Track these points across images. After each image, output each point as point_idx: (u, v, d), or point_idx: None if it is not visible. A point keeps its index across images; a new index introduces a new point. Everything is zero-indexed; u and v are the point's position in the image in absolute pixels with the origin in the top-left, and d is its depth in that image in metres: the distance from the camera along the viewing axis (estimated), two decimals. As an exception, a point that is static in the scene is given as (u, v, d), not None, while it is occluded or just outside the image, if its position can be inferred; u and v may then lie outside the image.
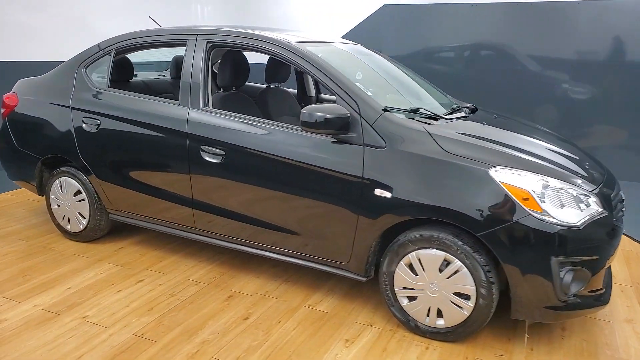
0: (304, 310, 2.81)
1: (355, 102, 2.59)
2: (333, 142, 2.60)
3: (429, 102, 3.28)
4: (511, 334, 2.61)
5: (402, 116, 2.63)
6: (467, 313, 2.43)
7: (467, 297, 2.42)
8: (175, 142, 3.03)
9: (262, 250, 2.99)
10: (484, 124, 2.88)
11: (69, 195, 3.62)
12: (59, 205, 3.70)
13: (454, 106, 3.18)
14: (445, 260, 2.43)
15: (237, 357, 2.37)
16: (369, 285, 3.04)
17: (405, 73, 3.57)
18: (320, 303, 2.89)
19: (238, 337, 2.53)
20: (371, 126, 2.53)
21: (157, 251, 3.57)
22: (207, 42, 3.06)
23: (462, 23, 6.38)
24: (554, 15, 5.85)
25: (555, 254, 2.22)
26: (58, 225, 3.77)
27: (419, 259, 2.48)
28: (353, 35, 6.78)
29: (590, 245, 2.29)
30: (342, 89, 2.63)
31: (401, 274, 2.55)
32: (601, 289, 2.45)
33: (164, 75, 4.54)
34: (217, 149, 2.89)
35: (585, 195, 2.35)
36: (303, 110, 2.53)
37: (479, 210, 2.29)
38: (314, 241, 2.77)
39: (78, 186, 3.56)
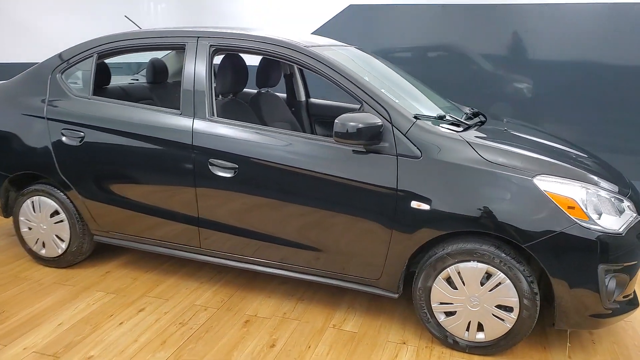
0: (331, 332, 2.65)
1: (386, 110, 2.45)
2: (362, 152, 2.45)
3: (431, 106, 3.20)
4: (545, 342, 2.59)
5: (430, 123, 2.53)
6: (509, 325, 2.38)
7: (509, 310, 2.36)
8: (178, 156, 2.76)
9: (279, 269, 2.79)
10: (505, 130, 2.85)
11: (44, 217, 3.22)
12: (30, 228, 3.29)
13: (467, 111, 3.13)
14: (486, 272, 2.36)
15: (277, 392, 2.18)
16: (387, 298, 2.92)
17: (403, 76, 3.48)
18: (345, 322, 2.74)
19: (272, 368, 2.34)
20: (404, 135, 2.41)
21: (149, 274, 3.26)
22: (210, 45, 2.81)
23: (430, 24, 6.41)
24: (517, 16, 6.00)
25: (601, 262, 2.21)
26: (29, 251, 3.35)
27: (459, 273, 2.40)
28: (319, 35, 6.64)
29: (630, 250, 2.29)
30: (370, 96, 2.48)
31: (439, 289, 2.45)
32: (630, 294, 2.48)
33: (137, 80, 4.18)
34: (229, 162, 2.66)
35: (620, 200, 2.35)
36: (336, 121, 2.36)
37: (524, 220, 2.23)
38: (341, 258, 2.61)
39: (55, 206, 3.17)
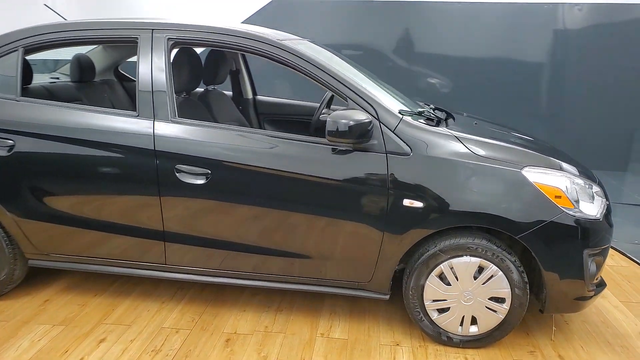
0: (321, 341, 2.51)
1: (372, 107, 2.36)
2: (349, 151, 2.33)
3: (395, 101, 3.18)
4: (526, 328, 2.67)
5: (411, 119, 2.48)
6: (502, 316, 2.41)
7: (502, 301, 2.39)
8: (137, 163, 2.45)
9: (257, 280, 2.59)
10: (475, 124, 2.89)
11: (-38, 242, 2.70)
12: (-58, 257, 2.74)
13: (431, 106, 3.13)
14: (479, 266, 2.36)
15: (286, 416, 2.00)
16: (367, 300, 2.85)
17: (360, 71, 3.40)
18: (332, 330, 2.62)
19: (272, 390, 2.15)
20: (393, 132, 2.34)
21: (99, 298, 2.87)
22: (169, 38, 2.51)
23: (354, 20, 6.44)
24: (435, 14, 6.23)
25: (586, 247, 2.31)
26: (-59, 284, 2.80)
27: (452, 268, 2.38)
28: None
29: (605, 234, 2.42)
30: (355, 93, 2.37)
31: (432, 286, 2.42)
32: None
33: (58, 78, 3.67)
34: (200, 167, 2.40)
35: (590, 186, 2.48)
36: (329, 119, 2.22)
37: (517, 212, 2.27)
38: (329, 263, 2.48)
39: (-24, 229, 2.68)
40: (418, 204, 2.30)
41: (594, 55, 5.92)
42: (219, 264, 2.57)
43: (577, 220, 2.27)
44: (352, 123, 2.22)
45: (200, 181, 2.42)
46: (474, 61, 6.17)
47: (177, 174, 2.42)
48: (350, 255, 2.44)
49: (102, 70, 3.78)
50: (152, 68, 2.49)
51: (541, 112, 6.28)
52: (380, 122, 2.34)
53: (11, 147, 2.52)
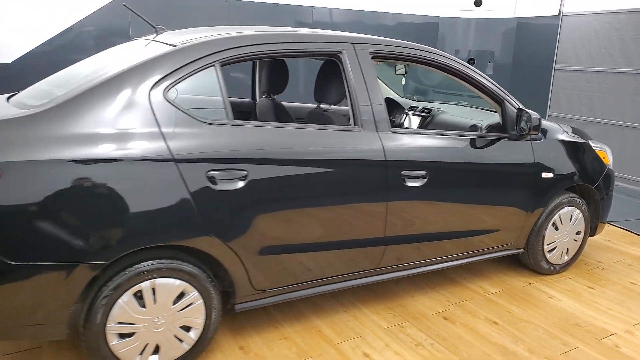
0: (494, 297, 3.13)
1: (518, 105, 3.07)
2: (512, 139, 3.02)
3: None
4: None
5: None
6: (579, 243, 3.54)
7: (580, 233, 3.51)
8: (370, 176, 2.53)
9: (461, 259, 3.07)
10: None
11: (163, 306, 2.17)
12: (133, 334, 2.13)
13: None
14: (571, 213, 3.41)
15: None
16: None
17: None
18: (483, 288, 3.24)
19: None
20: (532, 124, 3.13)
21: (279, 330, 2.69)
22: (369, 52, 2.61)
23: (213, 19, 6.37)
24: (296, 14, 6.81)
25: (612, 187, 3.62)
26: (121, 371, 2.16)
27: (560, 217, 3.35)
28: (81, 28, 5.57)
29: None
30: (508, 96, 3.03)
31: (550, 233, 3.34)
32: None
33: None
34: (421, 170, 2.67)
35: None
36: (534, 117, 2.88)
37: (592, 170, 3.40)
38: (504, 232, 3.11)
39: (183, 285, 2.20)
40: (550, 175, 3.18)
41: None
42: (425, 254, 2.87)
43: (611, 170, 3.56)
44: (540, 117, 2.93)
45: (420, 184, 2.68)
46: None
47: (403, 180, 2.62)
48: (513, 222, 3.13)
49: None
50: (366, 82, 2.56)
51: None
52: (525, 116, 3.10)
53: (244, 177, 2.20)
